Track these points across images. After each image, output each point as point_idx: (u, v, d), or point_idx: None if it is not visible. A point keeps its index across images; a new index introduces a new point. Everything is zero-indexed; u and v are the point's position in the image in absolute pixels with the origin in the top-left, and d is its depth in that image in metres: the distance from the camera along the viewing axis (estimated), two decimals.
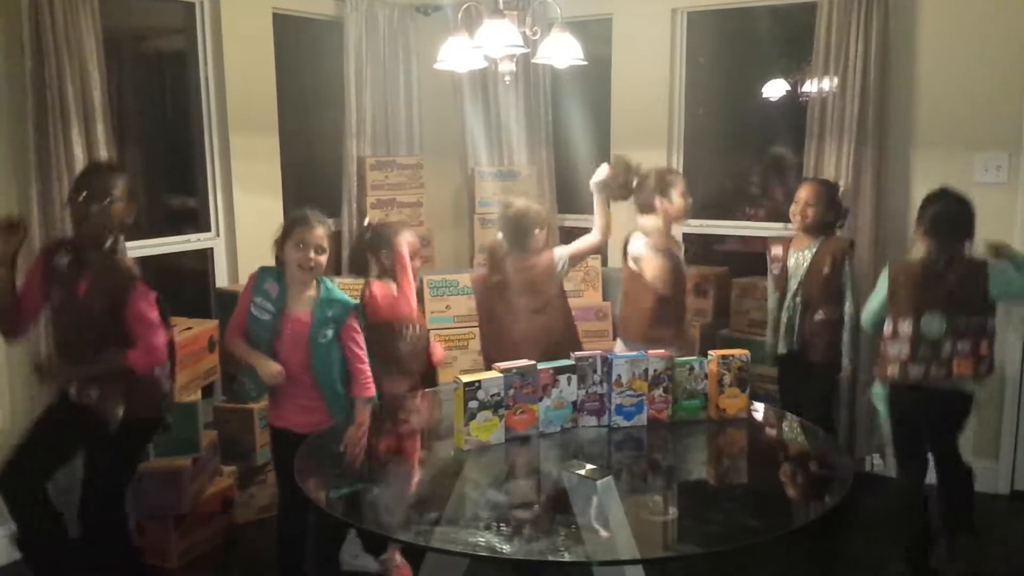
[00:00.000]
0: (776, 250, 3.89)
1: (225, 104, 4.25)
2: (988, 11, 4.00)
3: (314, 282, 3.10)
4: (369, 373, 3.16)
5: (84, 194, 2.92)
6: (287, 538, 3.22)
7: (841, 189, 3.92)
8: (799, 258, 3.78)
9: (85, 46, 3.51)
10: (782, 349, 3.82)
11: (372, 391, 3.15)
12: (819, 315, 3.71)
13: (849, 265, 3.73)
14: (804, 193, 3.80)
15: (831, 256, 3.69)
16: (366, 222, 3.88)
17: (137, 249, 3.92)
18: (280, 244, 3.10)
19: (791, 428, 2.99)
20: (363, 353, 3.15)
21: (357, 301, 3.29)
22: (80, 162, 3.49)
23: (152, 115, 4.48)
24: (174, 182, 4.56)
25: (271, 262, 3.15)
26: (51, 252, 3.01)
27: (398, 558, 3.44)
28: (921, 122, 4.19)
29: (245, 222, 4.35)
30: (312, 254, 3.04)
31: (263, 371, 3.04)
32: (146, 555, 3.52)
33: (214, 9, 4.21)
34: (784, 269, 3.82)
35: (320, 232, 3.07)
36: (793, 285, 3.77)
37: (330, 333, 3.07)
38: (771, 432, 3.02)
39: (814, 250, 3.74)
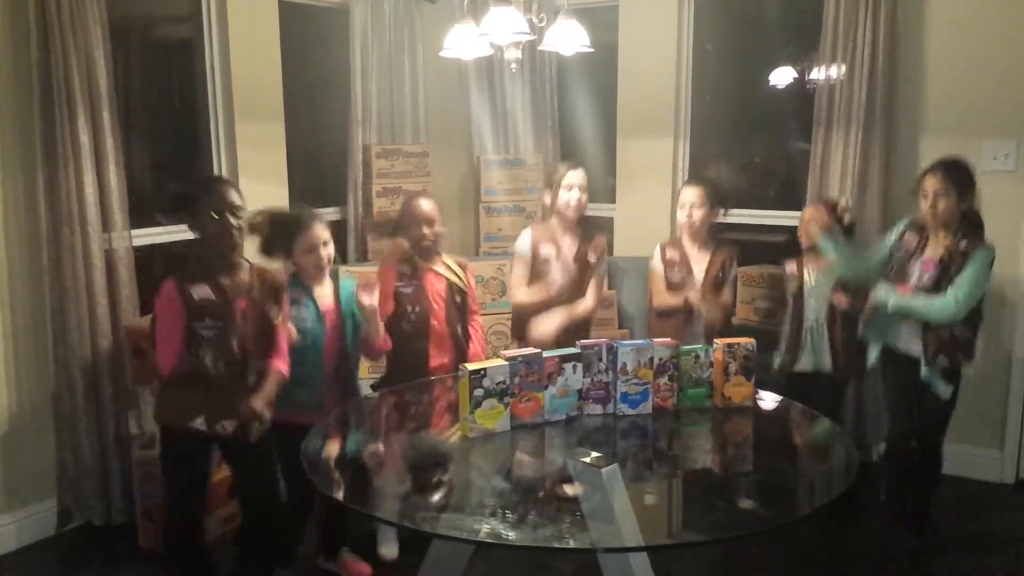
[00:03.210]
0: (791, 268, 3.86)
1: (231, 92, 4.24)
2: None
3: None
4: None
5: (217, 213, 2.83)
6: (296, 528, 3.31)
7: (841, 205, 3.81)
8: (816, 277, 3.75)
9: (91, 34, 3.50)
10: (807, 367, 3.77)
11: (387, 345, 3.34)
12: (845, 330, 3.69)
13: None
14: (808, 212, 3.80)
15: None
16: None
17: (144, 237, 3.94)
18: (285, 254, 3.13)
19: (796, 417, 2.99)
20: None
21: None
22: (87, 150, 3.51)
23: (158, 103, 4.48)
24: (180, 170, 4.56)
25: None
26: (183, 286, 2.82)
27: (349, 557, 3.42)
28: (929, 109, 4.17)
29: (251, 210, 4.34)
30: (323, 251, 3.18)
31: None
32: (152, 541, 3.55)
33: None
34: (800, 287, 3.79)
35: (320, 228, 3.19)
36: (812, 304, 3.75)
37: (354, 308, 3.24)
38: (776, 420, 3.02)
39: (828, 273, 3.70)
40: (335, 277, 3.30)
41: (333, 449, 2.71)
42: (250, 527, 3.14)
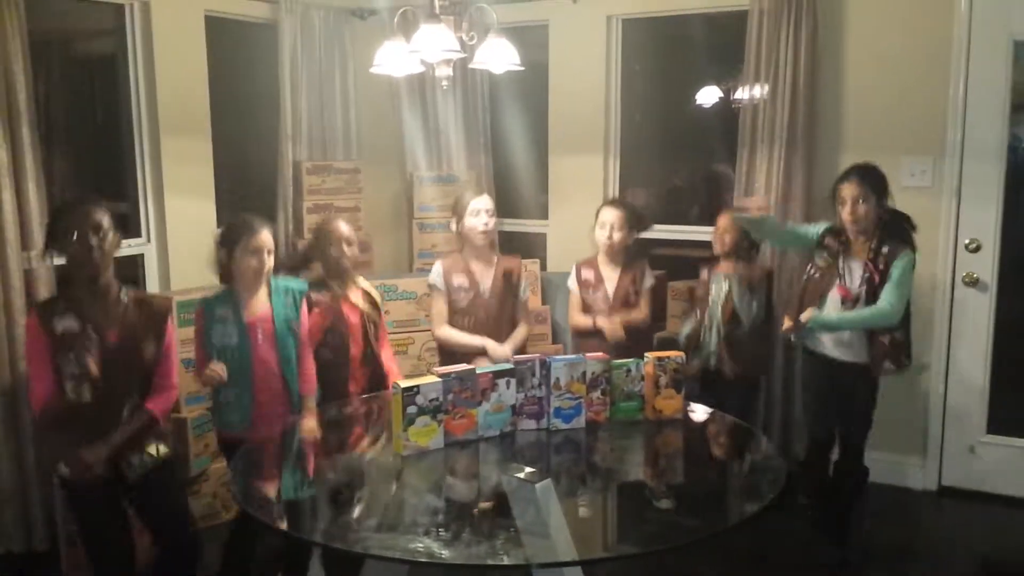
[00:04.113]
0: (703, 273, 3.97)
1: (156, 107, 4.17)
2: (913, 21, 4.13)
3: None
4: (313, 367, 3.25)
5: (76, 233, 2.67)
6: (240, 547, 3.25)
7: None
8: (720, 286, 3.84)
9: (10, 48, 3.41)
10: (699, 364, 3.87)
11: (315, 386, 3.25)
12: (723, 333, 3.81)
13: (766, 293, 3.83)
14: (722, 221, 3.88)
15: (748, 285, 3.79)
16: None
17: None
18: (227, 254, 3.09)
19: (726, 428, 3.04)
20: (307, 344, 3.24)
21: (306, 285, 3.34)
22: (5, 167, 3.41)
23: (81, 119, 4.38)
24: (104, 187, 4.45)
25: (204, 267, 3.16)
26: (45, 319, 2.69)
27: None
28: (849, 128, 4.30)
29: (177, 227, 4.27)
30: (265, 258, 3.09)
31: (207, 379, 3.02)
32: (76, 570, 3.43)
33: (144, 11, 4.13)
34: (707, 293, 3.89)
35: (267, 235, 3.12)
36: (716, 312, 3.84)
37: (292, 319, 3.16)
38: (706, 432, 3.07)
39: (734, 279, 3.80)
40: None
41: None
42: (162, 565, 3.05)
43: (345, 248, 3.40)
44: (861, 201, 3.34)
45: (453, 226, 3.75)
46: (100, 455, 2.72)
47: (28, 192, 3.49)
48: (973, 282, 4.15)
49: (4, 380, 3.47)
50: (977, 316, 4.17)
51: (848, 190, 3.37)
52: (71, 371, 2.68)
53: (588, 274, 3.95)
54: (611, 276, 3.92)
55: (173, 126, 4.23)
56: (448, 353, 3.69)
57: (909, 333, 3.46)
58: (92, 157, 4.45)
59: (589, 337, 3.87)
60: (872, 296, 3.35)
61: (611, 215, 3.88)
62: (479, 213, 3.64)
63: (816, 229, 3.58)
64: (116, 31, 4.16)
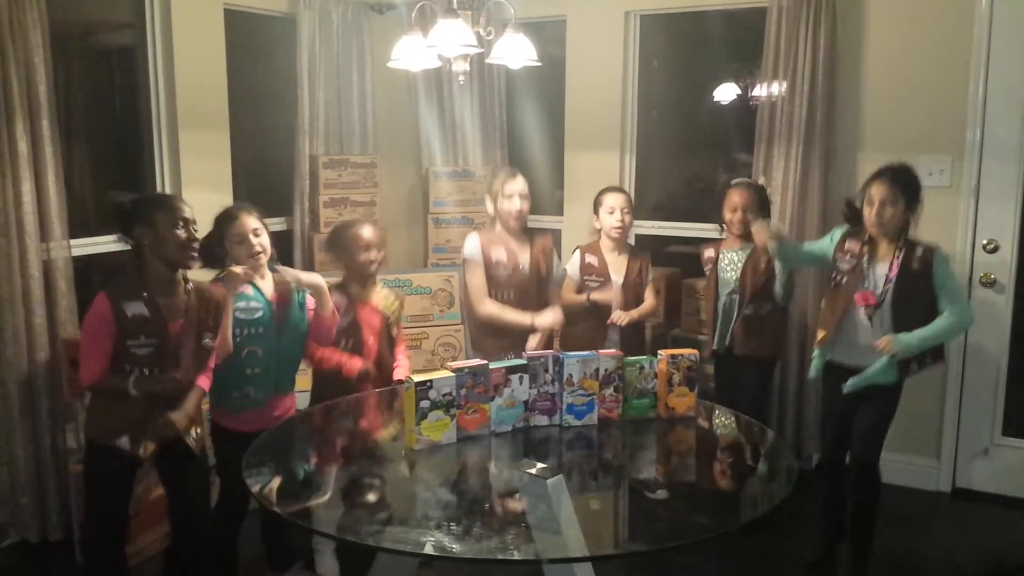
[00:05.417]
0: (708, 253, 3.95)
1: (175, 100, 4.19)
2: (933, 19, 4.10)
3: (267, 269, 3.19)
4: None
5: (178, 225, 2.76)
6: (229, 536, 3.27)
7: (768, 189, 4.04)
8: (733, 258, 3.83)
9: (31, 40, 3.43)
10: (715, 346, 3.88)
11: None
12: (747, 310, 3.78)
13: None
14: (738, 199, 3.81)
15: (766, 255, 3.70)
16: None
17: (84, 247, 3.86)
18: (222, 247, 3.11)
19: (738, 427, 3.03)
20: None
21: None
22: (25, 158, 3.43)
23: (100, 111, 4.41)
24: (122, 179, 4.48)
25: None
26: (116, 301, 2.72)
27: (303, 574, 3.40)
28: (867, 126, 4.27)
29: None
30: (252, 239, 3.10)
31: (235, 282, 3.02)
32: None
33: (164, 4, 4.15)
34: (715, 271, 3.88)
35: (245, 218, 3.12)
36: (728, 285, 3.83)
37: (303, 304, 3.20)
38: (719, 430, 3.06)
39: (748, 250, 3.78)
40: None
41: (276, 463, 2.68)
42: (178, 550, 3.08)
43: (373, 254, 3.39)
44: (889, 203, 3.20)
45: (489, 208, 3.76)
46: (179, 418, 2.81)
47: (47, 184, 3.52)
48: (990, 283, 4.12)
49: (22, 369, 3.51)
50: (994, 317, 4.14)
51: (877, 190, 3.22)
52: (140, 354, 2.74)
53: (592, 259, 3.95)
54: (616, 264, 3.92)
55: (191, 119, 4.25)
56: (488, 330, 3.66)
57: None
58: (111, 149, 4.48)
59: (579, 320, 3.87)
60: (901, 301, 3.20)
61: (618, 199, 3.90)
62: (513, 197, 3.66)
63: (833, 236, 3.46)
64: (136, 24, 4.19)
